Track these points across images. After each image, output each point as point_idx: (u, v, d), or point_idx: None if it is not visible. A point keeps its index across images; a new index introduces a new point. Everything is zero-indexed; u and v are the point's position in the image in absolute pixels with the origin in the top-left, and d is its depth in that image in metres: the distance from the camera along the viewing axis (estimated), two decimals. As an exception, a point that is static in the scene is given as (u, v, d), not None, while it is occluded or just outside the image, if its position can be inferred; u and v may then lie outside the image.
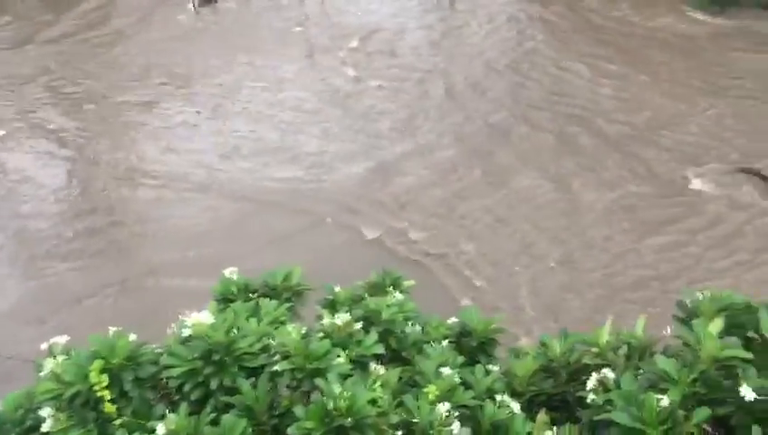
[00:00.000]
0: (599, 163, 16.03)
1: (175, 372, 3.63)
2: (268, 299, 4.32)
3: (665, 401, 3.24)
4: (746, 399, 3.22)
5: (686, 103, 17.78)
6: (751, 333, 3.89)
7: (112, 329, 3.85)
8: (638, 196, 15.04)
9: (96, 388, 3.48)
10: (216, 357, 3.67)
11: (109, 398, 3.50)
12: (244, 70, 20.83)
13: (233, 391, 3.63)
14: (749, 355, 3.48)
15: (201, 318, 3.78)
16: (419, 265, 13.65)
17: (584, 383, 3.79)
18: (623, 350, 4.11)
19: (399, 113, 18.33)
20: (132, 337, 3.82)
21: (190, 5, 24.75)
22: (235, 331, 3.77)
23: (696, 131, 16.78)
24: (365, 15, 23.79)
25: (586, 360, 4.05)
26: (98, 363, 3.52)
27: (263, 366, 3.70)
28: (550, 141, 16.87)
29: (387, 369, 3.85)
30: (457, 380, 3.78)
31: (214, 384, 3.61)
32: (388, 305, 4.38)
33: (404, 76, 19.95)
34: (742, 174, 15.30)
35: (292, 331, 3.72)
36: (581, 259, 13.62)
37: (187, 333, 3.78)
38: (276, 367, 3.60)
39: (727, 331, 3.80)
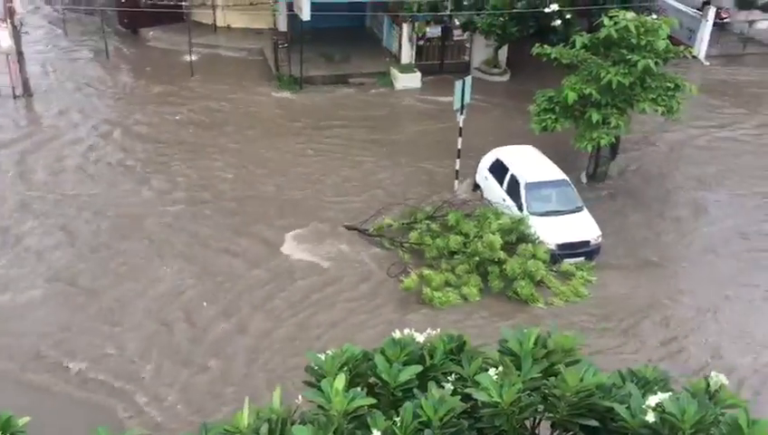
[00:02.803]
0: (217, 238, 16.32)
1: None
2: None
3: (307, 468, 3.30)
4: (378, 442, 3.45)
5: (285, 173, 19.14)
6: (372, 380, 4.22)
7: None
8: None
9: None
10: None
11: None
12: None
13: None
14: (373, 400, 3.75)
15: None
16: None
17: (233, 475, 3.69)
18: (265, 428, 4.11)
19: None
20: None
21: None
22: None
23: (302, 195, 18.15)
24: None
25: (231, 449, 3.95)
26: None
27: None
28: (167, 231, 16.68)
29: None
30: None
31: None
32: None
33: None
34: (345, 231, 16.90)
35: None
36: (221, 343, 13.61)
37: None
38: None
39: (352, 383, 4.06)
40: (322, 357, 4.21)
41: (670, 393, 3.84)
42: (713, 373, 4.08)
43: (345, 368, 4.17)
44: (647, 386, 4.17)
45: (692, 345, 14.01)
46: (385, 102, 23.57)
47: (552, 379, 4.00)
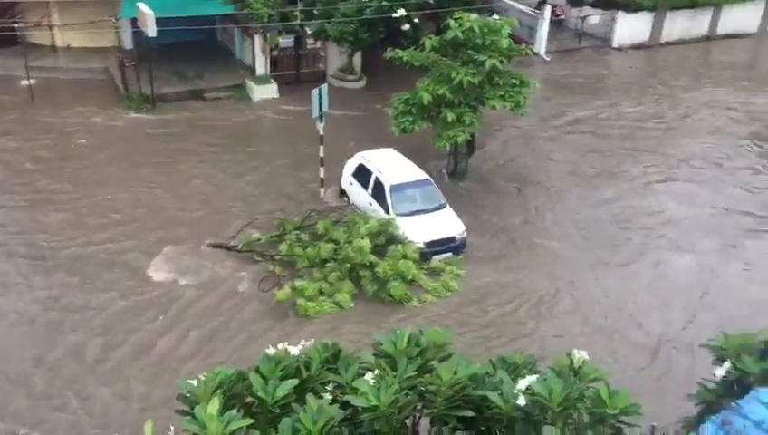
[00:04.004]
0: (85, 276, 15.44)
1: None
2: None
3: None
4: (259, 464, 3.36)
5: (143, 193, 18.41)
6: (249, 399, 4.13)
7: None
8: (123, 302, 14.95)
9: None
10: None
11: None
12: None
13: None
14: (250, 421, 3.66)
15: None
16: None
17: None
18: (139, 465, 3.92)
19: None
20: None
21: None
22: None
23: (164, 217, 17.50)
24: None
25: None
26: None
27: None
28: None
29: None
30: None
31: None
32: None
33: None
34: (212, 249, 16.45)
35: None
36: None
37: None
38: None
39: (227, 405, 3.94)
40: (194, 383, 4.07)
41: (538, 375, 4.02)
42: (575, 350, 4.30)
43: (219, 391, 4.05)
44: (516, 371, 4.34)
45: (563, 324, 14.72)
46: (243, 115, 23.20)
47: (428, 375, 4.07)
